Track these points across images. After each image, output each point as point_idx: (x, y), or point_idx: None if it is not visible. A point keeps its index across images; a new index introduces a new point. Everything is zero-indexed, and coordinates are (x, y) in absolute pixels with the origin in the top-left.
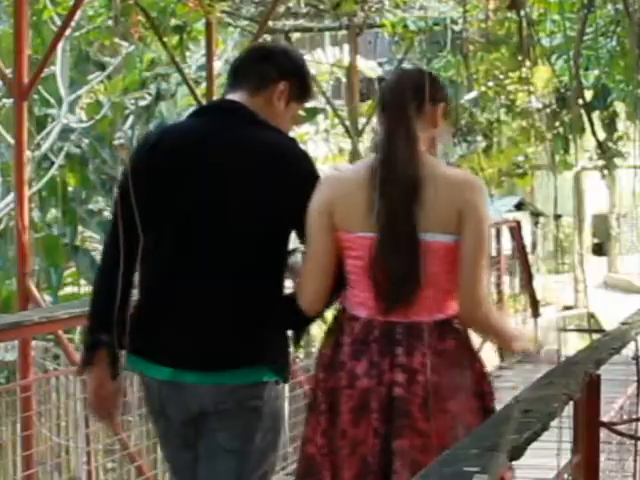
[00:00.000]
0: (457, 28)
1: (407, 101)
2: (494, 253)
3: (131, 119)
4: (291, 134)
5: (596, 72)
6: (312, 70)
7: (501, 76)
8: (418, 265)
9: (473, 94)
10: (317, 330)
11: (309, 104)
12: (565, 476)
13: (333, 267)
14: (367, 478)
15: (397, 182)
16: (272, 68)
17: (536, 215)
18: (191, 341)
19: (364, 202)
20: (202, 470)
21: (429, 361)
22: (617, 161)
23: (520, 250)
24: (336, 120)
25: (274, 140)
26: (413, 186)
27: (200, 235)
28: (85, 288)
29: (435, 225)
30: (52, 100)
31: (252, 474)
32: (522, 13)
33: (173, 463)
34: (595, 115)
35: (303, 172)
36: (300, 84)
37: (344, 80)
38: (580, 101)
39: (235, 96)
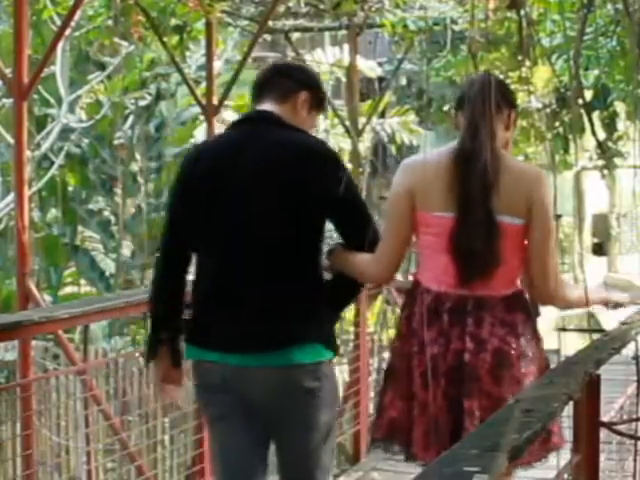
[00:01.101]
0: (457, 28)
1: (490, 102)
2: None
3: (131, 119)
4: None
5: (596, 72)
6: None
7: (501, 76)
8: (495, 244)
9: None
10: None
11: None
12: (565, 476)
13: (409, 243)
14: (437, 435)
15: (477, 170)
16: (291, 80)
17: None
18: (251, 327)
19: (444, 185)
20: (279, 456)
21: (497, 330)
22: (617, 161)
23: None
24: (336, 120)
25: (303, 140)
26: (491, 174)
27: (247, 236)
28: (85, 288)
29: (507, 209)
30: (52, 100)
31: (320, 449)
32: (522, 13)
33: (227, 449)
34: (595, 115)
35: (334, 167)
36: (317, 94)
37: (344, 80)
38: (580, 101)
39: (264, 106)
